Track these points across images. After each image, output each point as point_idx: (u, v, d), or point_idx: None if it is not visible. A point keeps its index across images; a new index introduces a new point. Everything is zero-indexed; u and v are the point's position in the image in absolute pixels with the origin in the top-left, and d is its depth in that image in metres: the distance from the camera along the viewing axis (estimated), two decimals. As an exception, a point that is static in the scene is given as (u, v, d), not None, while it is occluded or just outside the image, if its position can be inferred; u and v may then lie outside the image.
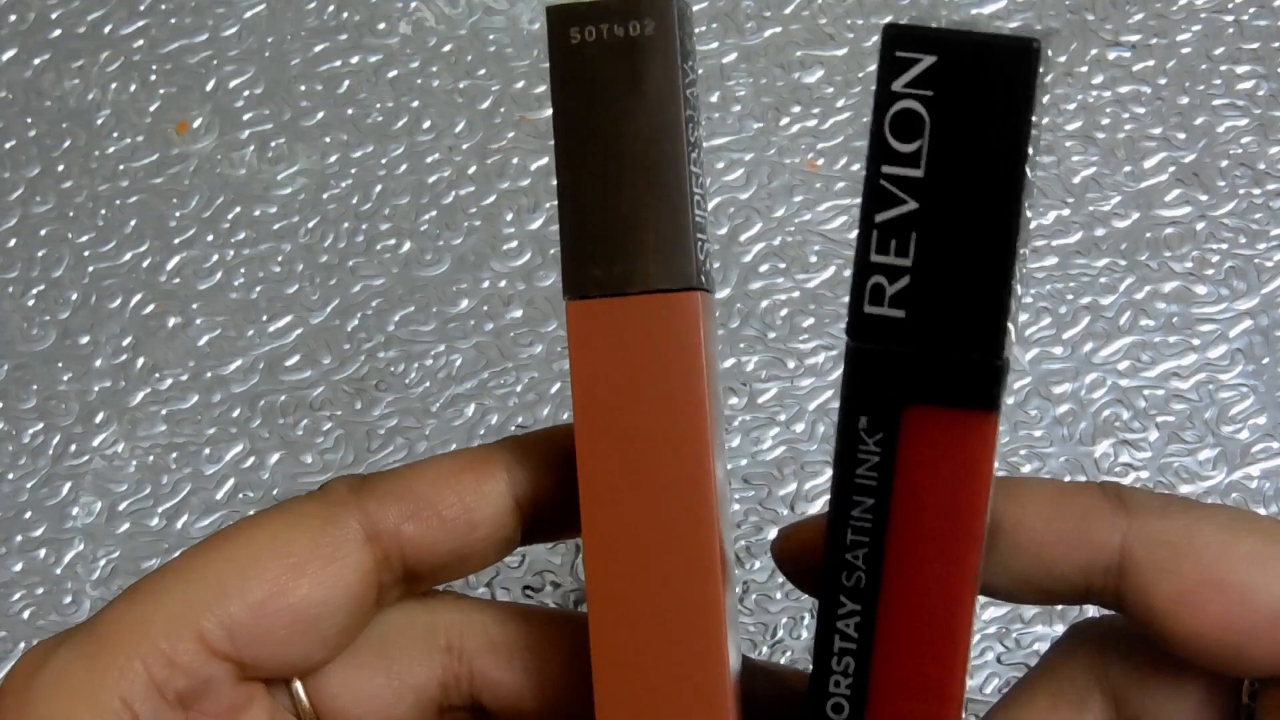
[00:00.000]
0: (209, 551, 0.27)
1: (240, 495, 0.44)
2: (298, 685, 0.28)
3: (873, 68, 0.42)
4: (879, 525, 0.25)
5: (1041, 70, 0.23)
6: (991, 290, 0.23)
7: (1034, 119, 0.23)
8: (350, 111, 0.48)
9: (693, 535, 0.26)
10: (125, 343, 0.46)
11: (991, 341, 0.24)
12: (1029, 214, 0.26)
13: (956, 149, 0.23)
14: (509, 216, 0.47)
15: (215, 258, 0.47)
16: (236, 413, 0.45)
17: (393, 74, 0.49)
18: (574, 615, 0.29)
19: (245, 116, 0.48)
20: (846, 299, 0.24)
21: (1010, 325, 0.24)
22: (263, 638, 0.26)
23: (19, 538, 0.44)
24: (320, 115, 0.48)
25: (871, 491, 0.25)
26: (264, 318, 0.46)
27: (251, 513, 0.44)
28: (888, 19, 0.47)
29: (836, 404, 0.32)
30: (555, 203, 0.47)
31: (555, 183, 0.26)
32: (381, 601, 0.28)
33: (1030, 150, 0.23)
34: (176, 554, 0.27)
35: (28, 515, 0.44)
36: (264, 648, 0.26)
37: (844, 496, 0.25)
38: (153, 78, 0.49)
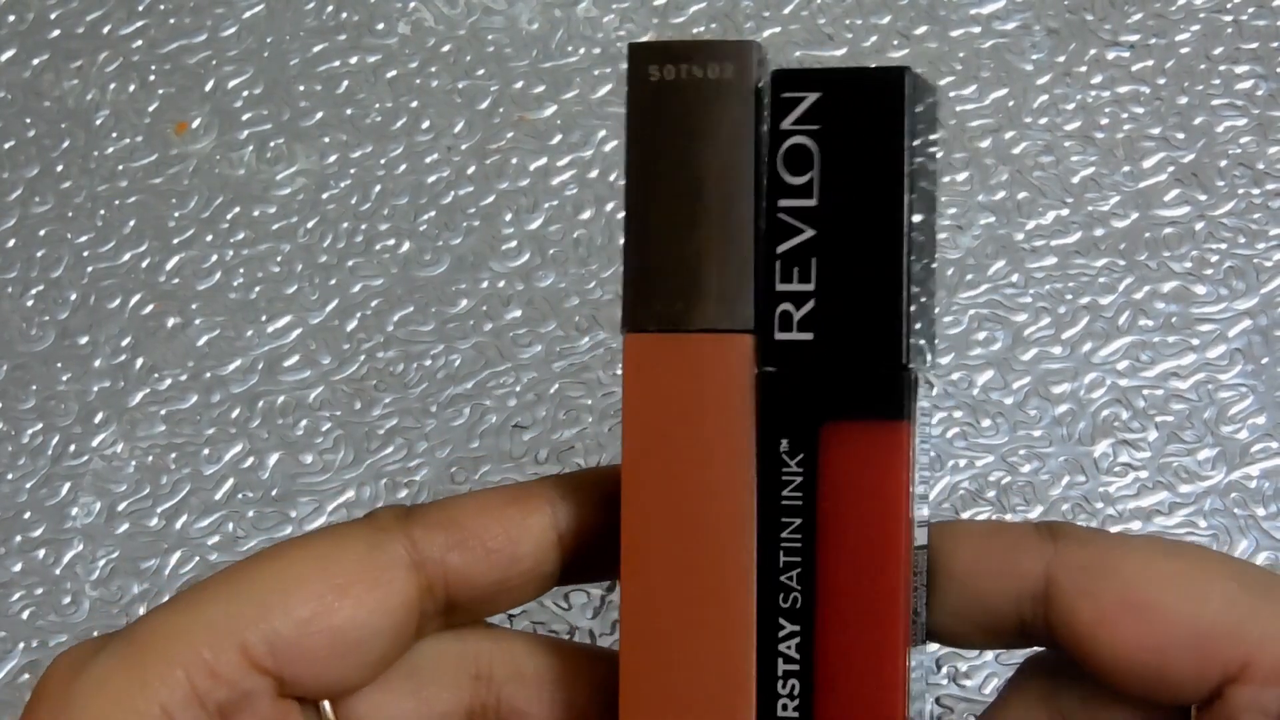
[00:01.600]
0: (254, 567, 0.27)
1: (239, 495, 0.44)
2: (326, 705, 0.27)
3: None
4: (809, 544, 0.26)
5: (917, 97, 0.25)
6: (888, 304, 0.25)
7: (916, 140, 0.25)
8: (349, 112, 0.48)
9: (731, 581, 0.26)
10: (124, 343, 0.46)
11: (894, 353, 0.25)
12: (934, 228, 0.27)
13: (844, 176, 0.25)
14: (508, 216, 0.47)
15: (214, 258, 0.47)
16: (236, 413, 0.45)
17: (391, 74, 0.49)
18: (604, 651, 0.29)
19: (244, 117, 0.48)
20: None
21: (919, 335, 0.26)
22: (304, 656, 0.26)
23: (18, 538, 0.44)
24: (319, 115, 0.48)
25: (798, 511, 0.26)
26: (263, 318, 0.46)
27: (249, 513, 0.44)
28: (886, 19, 0.48)
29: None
30: (555, 203, 0.47)
31: (623, 216, 0.26)
32: (421, 631, 0.28)
33: (913, 169, 0.25)
34: (177, 560, 0.27)
35: (27, 515, 0.44)
36: (305, 666, 0.26)
37: (773, 520, 0.26)
38: (151, 78, 0.49)
